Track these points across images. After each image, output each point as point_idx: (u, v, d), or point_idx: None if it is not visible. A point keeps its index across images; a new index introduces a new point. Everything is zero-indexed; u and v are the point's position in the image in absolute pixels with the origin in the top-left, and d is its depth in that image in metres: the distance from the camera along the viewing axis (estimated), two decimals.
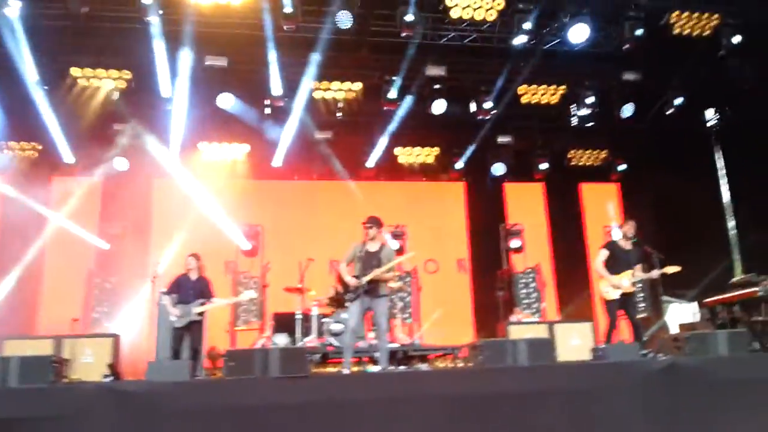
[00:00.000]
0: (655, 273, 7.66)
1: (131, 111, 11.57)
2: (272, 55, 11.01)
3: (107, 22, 10.38)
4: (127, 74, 11.32)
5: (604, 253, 7.80)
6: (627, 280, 7.65)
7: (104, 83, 11.27)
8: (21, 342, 7.51)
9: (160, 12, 10.09)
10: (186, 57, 10.79)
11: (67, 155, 11.58)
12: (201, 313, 7.96)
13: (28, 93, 10.91)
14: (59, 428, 5.45)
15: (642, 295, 11.61)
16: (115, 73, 11.30)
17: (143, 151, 11.60)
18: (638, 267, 7.76)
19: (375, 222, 7.33)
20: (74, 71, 11.14)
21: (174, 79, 11.15)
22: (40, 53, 10.52)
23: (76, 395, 5.92)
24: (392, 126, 12.33)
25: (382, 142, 12.53)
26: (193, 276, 8.10)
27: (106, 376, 6.87)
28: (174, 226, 11.26)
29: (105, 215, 11.54)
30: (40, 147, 11.72)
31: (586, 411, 6.04)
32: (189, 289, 7.97)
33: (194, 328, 7.93)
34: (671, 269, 7.59)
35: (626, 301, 7.72)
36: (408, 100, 12.09)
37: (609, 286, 7.70)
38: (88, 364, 7.46)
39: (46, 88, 10.95)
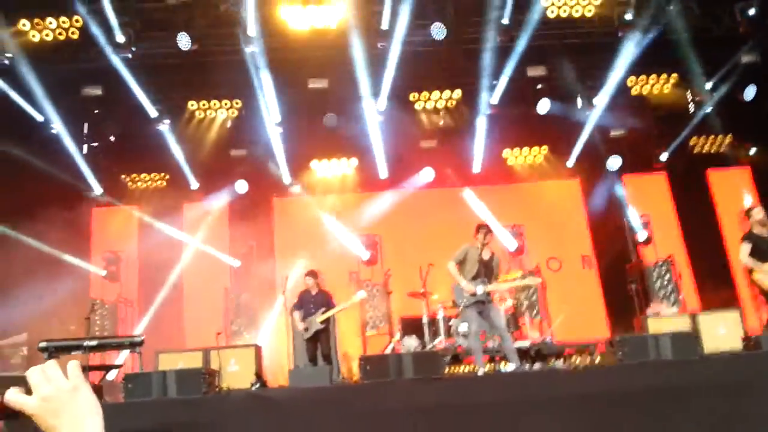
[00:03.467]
0: None
1: (245, 137, 12.20)
2: (369, 71, 11.27)
3: (215, 56, 11.10)
4: (237, 103, 12.05)
5: (747, 246, 7.45)
6: None
7: (218, 113, 12.01)
8: (173, 355, 8.02)
9: (263, 41, 10.67)
10: (290, 82, 11.31)
11: (193, 182, 12.34)
12: (325, 322, 8.36)
13: (153, 129, 11.80)
14: None
15: None
16: (227, 103, 12.04)
17: (260, 173, 12.19)
18: None
19: (485, 228, 7.37)
20: (191, 104, 11.95)
21: (281, 103, 11.70)
22: (157, 91, 11.40)
23: (228, 403, 6.28)
24: (496, 129, 12.25)
25: (488, 146, 12.44)
26: (314, 291, 8.62)
27: (253, 383, 7.21)
28: (296, 241, 11.72)
29: (234, 235, 12.13)
30: (167, 177, 12.54)
31: (741, 405, 5.66)
32: (310, 303, 8.52)
33: (322, 336, 8.39)
34: None
35: None
36: (509, 102, 12.00)
37: (762, 274, 7.30)
38: (234, 373, 7.85)
39: (167, 122, 11.78)
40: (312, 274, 8.75)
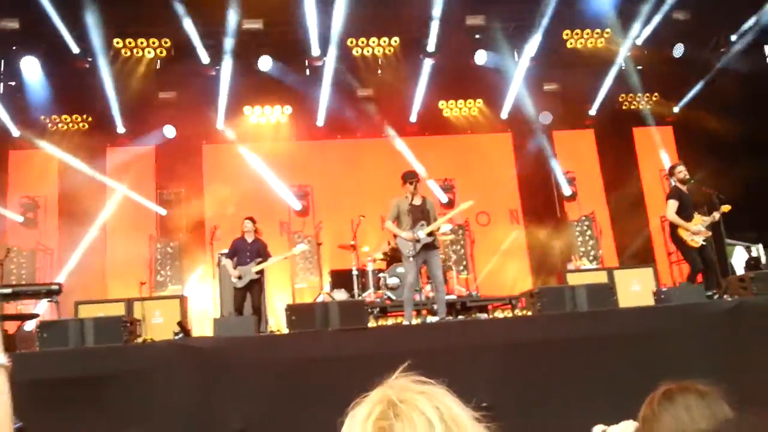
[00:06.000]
0: (717, 215, 7.45)
1: (175, 79, 11.69)
2: (307, 15, 10.93)
3: None
4: (166, 42, 11.46)
5: (674, 203, 7.50)
6: (701, 225, 7.46)
7: (146, 52, 11.41)
8: (94, 306, 7.80)
9: None
10: (222, 22, 10.80)
11: (118, 126, 11.78)
12: (259, 272, 8.21)
13: (75, 67, 11.13)
14: (134, 383, 5.66)
15: None
16: (155, 42, 11.44)
17: (190, 117, 11.76)
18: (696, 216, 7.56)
19: (411, 176, 7.31)
20: (116, 42, 11.30)
21: (213, 44, 11.22)
22: (81, 26, 10.66)
23: (148, 352, 6.17)
24: (434, 80, 12.15)
25: (425, 96, 12.37)
26: (249, 238, 8.34)
27: (176, 333, 7.11)
28: (226, 189, 11.48)
29: (160, 182, 11.77)
30: (90, 119, 11.94)
31: (650, 354, 5.97)
32: (246, 251, 8.24)
33: (254, 287, 8.19)
34: (724, 208, 7.36)
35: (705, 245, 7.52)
36: (447, 52, 11.88)
37: (691, 234, 7.45)
38: (158, 325, 7.72)
39: (90, 60, 11.12)
40: (252, 219, 8.45)
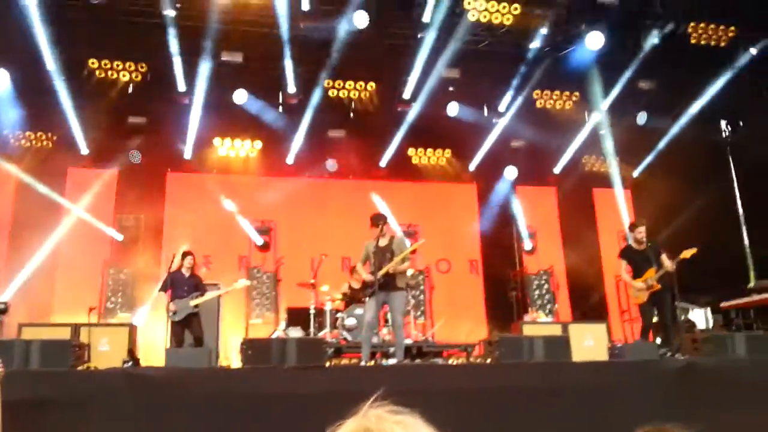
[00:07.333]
0: (668, 264, 7.62)
1: (146, 104, 11.61)
2: (288, 53, 11.08)
3: (125, 15, 10.48)
4: (143, 67, 11.40)
5: (623, 263, 8.01)
6: (650, 280, 7.71)
7: (121, 75, 11.32)
8: (39, 329, 7.49)
9: (178, 5, 10.21)
10: (202, 52, 10.84)
11: (82, 147, 11.55)
12: (197, 306, 8.26)
13: (45, 83, 10.94)
14: (80, 411, 5.44)
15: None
16: (131, 66, 11.37)
17: (157, 144, 11.63)
18: (664, 258, 7.75)
19: (380, 218, 7.44)
20: (92, 62, 11.20)
21: (190, 73, 11.23)
22: (58, 44, 10.50)
23: (96, 379, 5.94)
24: (405, 127, 12.38)
25: (395, 142, 12.57)
26: (187, 273, 8.45)
27: (125, 361, 6.88)
28: (187, 219, 11.29)
29: (120, 207, 11.50)
30: (54, 138, 11.67)
31: (602, 408, 6.04)
32: (184, 285, 8.33)
33: (193, 321, 8.24)
34: (687, 252, 7.52)
35: (657, 301, 7.75)
36: (421, 102, 12.14)
37: (637, 290, 7.82)
38: (105, 353, 7.44)
39: (63, 78, 10.96)
40: (193, 255, 8.58)
